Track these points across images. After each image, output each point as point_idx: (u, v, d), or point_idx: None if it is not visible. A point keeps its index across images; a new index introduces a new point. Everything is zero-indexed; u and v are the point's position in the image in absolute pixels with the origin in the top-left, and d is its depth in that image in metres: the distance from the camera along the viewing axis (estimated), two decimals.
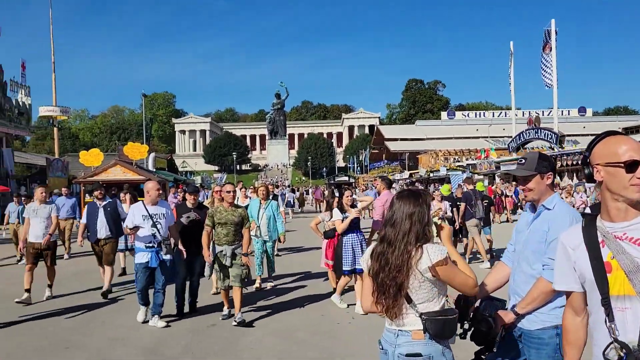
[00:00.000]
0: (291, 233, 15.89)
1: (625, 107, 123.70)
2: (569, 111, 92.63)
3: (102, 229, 8.40)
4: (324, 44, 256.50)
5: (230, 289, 6.44)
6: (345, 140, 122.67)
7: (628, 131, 47.52)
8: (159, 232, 6.38)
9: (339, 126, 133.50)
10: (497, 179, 27.91)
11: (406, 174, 45.86)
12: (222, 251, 6.31)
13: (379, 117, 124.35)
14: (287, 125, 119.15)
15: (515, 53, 39.97)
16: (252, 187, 19.42)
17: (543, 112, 71.40)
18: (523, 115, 63.30)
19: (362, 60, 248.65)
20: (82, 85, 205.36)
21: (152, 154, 30.66)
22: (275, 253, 9.30)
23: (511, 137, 38.20)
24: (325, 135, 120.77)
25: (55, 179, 29.27)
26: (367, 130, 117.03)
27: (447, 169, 38.10)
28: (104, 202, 8.58)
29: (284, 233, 8.96)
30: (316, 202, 36.15)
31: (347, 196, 7.35)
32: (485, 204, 11.09)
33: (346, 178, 70.06)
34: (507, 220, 20.54)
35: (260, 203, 8.83)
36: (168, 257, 6.44)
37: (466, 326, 2.67)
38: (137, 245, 6.50)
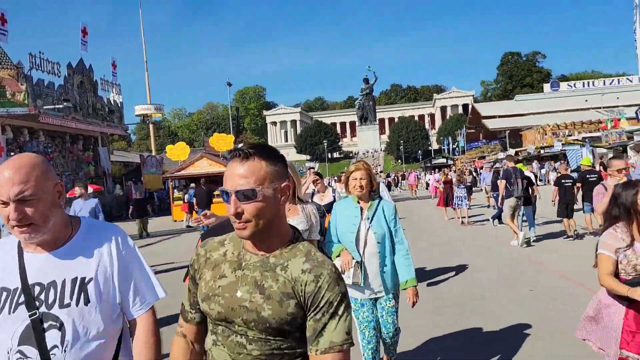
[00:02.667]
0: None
1: None
2: None
3: None
4: (410, 26, 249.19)
5: None
6: (438, 121, 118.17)
7: None
8: None
9: (430, 107, 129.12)
10: (630, 151, 23.96)
11: (511, 152, 42.03)
12: None
13: (472, 96, 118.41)
14: (377, 110, 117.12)
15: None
16: (338, 175, 13.55)
17: None
18: None
19: (451, 38, 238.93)
20: (179, 85, 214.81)
21: (240, 145, 29.86)
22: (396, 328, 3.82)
23: (633, 105, 33.34)
24: (416, 118, 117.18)
25: (150, 175, 29.41)
26: (460, 110, 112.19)
27: (562, 144, 34.07)
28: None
29: (411, 284, 3.68)
30: (410, 187, 34.22)
31: None
32: (525, 183, 11.13)
33: (444, 160, 66.65)
34: None
35: (361, 209, 3.75)
36: None
37: None
38: None
